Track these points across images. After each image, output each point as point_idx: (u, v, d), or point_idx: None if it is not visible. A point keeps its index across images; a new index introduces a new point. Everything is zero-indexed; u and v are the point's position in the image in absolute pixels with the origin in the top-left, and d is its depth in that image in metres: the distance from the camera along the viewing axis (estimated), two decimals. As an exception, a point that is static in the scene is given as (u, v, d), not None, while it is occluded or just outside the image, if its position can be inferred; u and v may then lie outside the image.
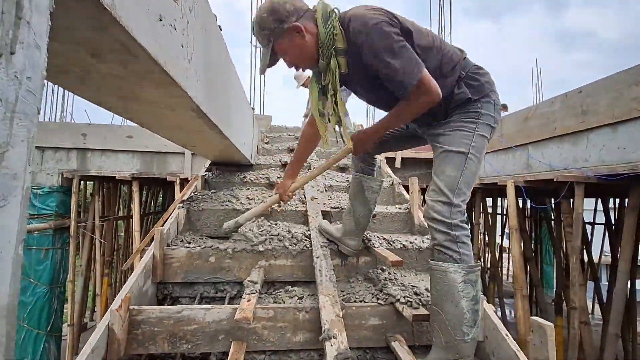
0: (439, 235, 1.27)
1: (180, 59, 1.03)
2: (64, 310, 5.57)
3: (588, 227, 6.61)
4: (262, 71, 1.40)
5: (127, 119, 1.49)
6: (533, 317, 1.25)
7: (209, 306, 1.51)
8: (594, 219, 6.95)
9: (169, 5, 0.92)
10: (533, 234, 7.29)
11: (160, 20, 0.87)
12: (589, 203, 6.75)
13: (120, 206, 7.47)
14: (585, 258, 5.82)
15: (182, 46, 1.04)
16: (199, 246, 1.91)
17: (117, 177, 4.98)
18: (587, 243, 5.71)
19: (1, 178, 0.42)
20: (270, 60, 1.35)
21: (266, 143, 3.87)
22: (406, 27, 1.28)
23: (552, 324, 1.20)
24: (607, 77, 2.93)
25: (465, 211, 1.33)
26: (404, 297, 1.59)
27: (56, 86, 6.18)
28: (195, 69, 1.18)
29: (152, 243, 1.80)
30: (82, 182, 5.40)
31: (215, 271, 1.88)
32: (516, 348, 1.42)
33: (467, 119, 1.36)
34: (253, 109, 3.17)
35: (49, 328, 4.91)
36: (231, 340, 1.46)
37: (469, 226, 1.39)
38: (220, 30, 1.62)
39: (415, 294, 1.64)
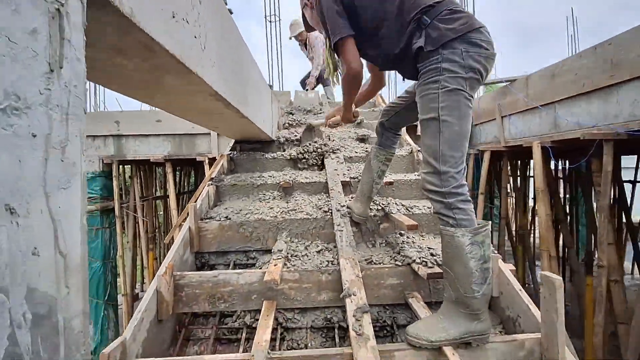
0: (435, 204, 1.33)
1: (194, 49, 1.12)
2: (118, 283, 6.18)
3: (628, 186, 6.29)
4: (308, 30, 1.98)
5: (152, 105, 1.62)
6: (543, 272, 1.30)
7: (241, 271, 1.69)
8: (635, 177, 6.57)
9: (180, 1, 1.01)
10: (568, 196, 7.03)
11: (174, 17, 0.96)
12: (629, 161, 6.38)
13: (157, 187, 7.96)
14: (624, 219, 5.59)
15: (195, 37, 1.13)
16: (229, 219, 2.08)
17: (151, 160, 5.29)
18: (624, 203, 5.46)
19: (65, 166, 0.55)
20: (307, 27, 1.87)
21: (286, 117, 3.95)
22: None
23: (560, 278, 1.26)
24: (637, 27, 2.71)
25: (459, 174, 1.31)
26: (419, 258, 1.69)
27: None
28: (210, 56, 1.28)
29: (188, 218, 1.99)
30: (120, 166, 5.79)
31: (245, 241, 2.06)
32: (528, 301, 1.49)
33: (429, 79, 1.32)
34: (271, 86, 3.24)
35: (106, 298, 5.50)
36: (262, 300, 1.64)
37: (467, 189, 1.34)
38: (231, 13, 1.69)
39: (432, 254, 1.74)
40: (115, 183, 5.41)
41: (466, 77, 1.28)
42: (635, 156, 5.97)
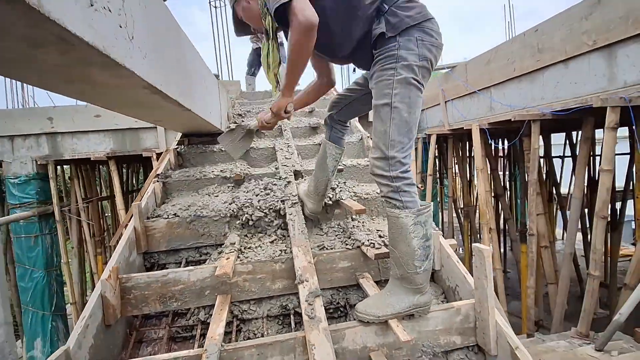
0: (383, 187, 1.37)
1: (120, 39, 1.06)
2: (65, 292, 5.75)
3: (557, 162, 6.98)
4: (237, 35, 1.68)
5: (84, 101, 1.51)
6: (474, 244, 1.43)
7: (191, 267, 1.66)
8: (564, 152, 7.31)
9: (99, -12, 0.94)
10: (507, 172, 7.66)
11: (92, 5, 0.90)
12: (558, 138, 7.07)
13: (102, 187, 7.43)
14: (554, 191, 6.22)
15: (121, 27, 1.07)
16: (178, 216, 2.02)
17: (92, 159, 4.93)
18: (554, 177, 6.07)
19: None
20: (235, 23, 1.59)
21: (235, 109, 3.86)
22: None
23: (489, 248, 1.39)
24: (561, 13, 2.98)
25: (405, 159, 1.36)
26: (368, 241, 1.77)
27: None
28: (140, 47, 1.21)
29: (132, 217, 1.90)
30: (57, 166, 5.32)
31: (196, 237, 2.02)
32: (465, 271, 1.64)
33: (385, 65, 1.34)
34: (217, 75, 3.14)
35: (52, 309, 5.11)
36: (216, 295, 1.63)
37: (412, 173, 1.42)
38: (164, 0, 1.60)
39: (380, 236, 1.83)
40: (52, 185, 4.97)
41: (419, 66, 1.32)
42: (563, 134, 6.62)
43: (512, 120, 3.22)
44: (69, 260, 5.35)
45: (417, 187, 5.55)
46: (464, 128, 4.25)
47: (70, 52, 0.91)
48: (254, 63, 5.56)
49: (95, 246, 5.80)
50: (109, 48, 0.98)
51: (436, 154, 6.23)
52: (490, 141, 3.96)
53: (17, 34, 0.79)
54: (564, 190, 6.91)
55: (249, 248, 1.86)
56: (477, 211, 7.72)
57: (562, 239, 8.79)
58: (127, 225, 2.21)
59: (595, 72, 2.86)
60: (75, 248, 5.75)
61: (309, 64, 1.63)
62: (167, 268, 1.98)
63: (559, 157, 7.36)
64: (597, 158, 5.74)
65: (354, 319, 1.45)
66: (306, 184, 2.08)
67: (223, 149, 2.12)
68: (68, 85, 1.24)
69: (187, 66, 1.91)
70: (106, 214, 7.59)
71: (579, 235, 5.30)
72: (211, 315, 1.63)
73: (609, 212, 4.07)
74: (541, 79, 3.19)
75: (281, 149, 2.75)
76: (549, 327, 4.09)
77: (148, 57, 1.28)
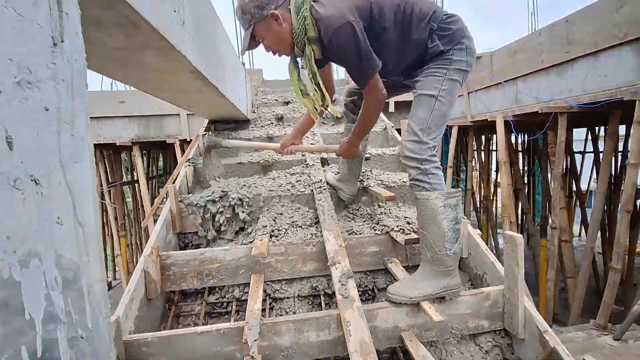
0: (412, 170, 1.46)
1: (174, 24, 1.11)
2: (89, 272, 5.99)
3: (578, 157, 6.84)
4: (242, 53, 1.57)
5: (129, 84, 1.58)
6: (506, 231, 1.46)
7: (227, 247, 1.73)
8: (585, 148, 7.14)
9: (160, -26, 0.99)
10: (526, 168, 7.54)
11: (155, -10, 0.94)
12: (580, 134, 6.91)
13: (122, 173, 7.64)
14: (575, 188, 6.11)
15: (175, 11, 1.12)
16: (210, 198, 2.08)
17: (117, 144, 5.07)
18: (575, 172, 5.97)
19: (75, 141, 0.57)
20: (250, 43, 1.47)
21: (258, 97, 3.91)
22: (368, 13, 1.41)
23: (521, 235, 1.41)
24: (591, 5, 2.91)
25: (435, 147, 1.50)
26: (397, 226, 1.81)
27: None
28: (189, 32, 1.26)
29: (167, 199, 1.98)
30: (82, 151, 5.49)
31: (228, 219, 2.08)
32: (494, 259, 1.66)
33: (439, 66, 1.50)
34: (243, 63, 3.18)
35: (78, 288, 5.34)
36: (250, 274, 1.70)
37: (440, 161, 1.56)
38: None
39: (408, 223, 1.86)
40: (78, 169, 5.13)
41: (465, 71, 1.52)
42: (585, 129, 6.47)
43: (539, 112, 3.18)
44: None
45: None
46: (488, 120, 4.20)
47: (135, 35, 0.96)
48: None
49: (119, 229, 6.00)
50: (167, 32, 1.03)
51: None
52: (514, 134, 3.91)
53: (88, 16, 0.85)
54: (583, 186, 6.78)
55: (280, 231, 1.91)
56: (495, 204, 7.67)
57: (579, 235, 8.68)
58: (159, 206, 2.29)
59: (625, 65, 2.79)
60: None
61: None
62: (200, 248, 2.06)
63: (580, 152, 7.21)
64: (619, 155, 5.61)
65: (382, 302, 1.50)
66: (334, 171, 2.14)
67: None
68: (121, 69, 1.30)
69: (221, 53, 1.95)
70: (127, 199, 7.81)
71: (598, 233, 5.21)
72: (246, 292, 1.71)
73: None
74: (569, 71, 3.13)
75: (306, 136, 2.78)
76: (565, 322, 4.08)
77: (195, 43, 1.33)
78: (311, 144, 2.67)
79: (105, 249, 6.39)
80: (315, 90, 1.59)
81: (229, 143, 2.08)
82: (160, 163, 8.56)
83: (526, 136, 6.96)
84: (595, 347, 2.29)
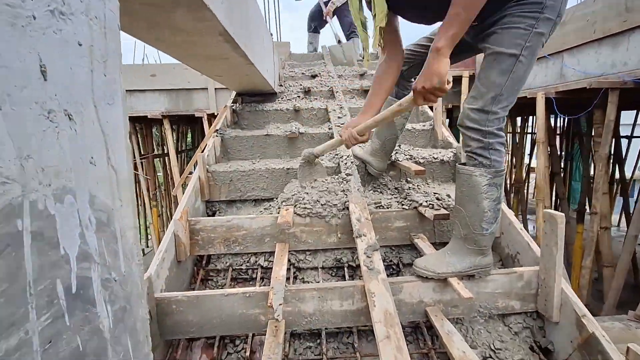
0: (472, 142, 1.27)
1: (205, -20, 1.07)
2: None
3: (624, 142, 6.35)
4: None
5: (157, 48, 1.57)
6: (546, 210, 1.37)
7: (253, 215, 1.75)
8: (632, 132, 6.61)
9: None
10: (564, 152, 7.11)
11: (186, -61, 0.90)
12: (628, 117, 6.37)
13: (154, 146, 7.89)
14: (618, 174, 5.71)
15: (205, -34, 1.08)
16: (238, 169, 2.10)
17: (149, 116, 5.20)
18: (619, 157, 5.56)
19: (108, 82, 0.56)
20: None
21: (286, 70, 3.85)
22: None
23: (562, 214, 1.32)
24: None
25: (504, 119, 1.26)
26: (426, 202, 1.75)
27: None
28: (219, -10, 1.22)
29: (197, 167, 2.01)
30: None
31: (253, 190, 2.10)
32: (528, 238, 1.58)
33: (525, 12, 1.16)
34: (271, 34, 3.12)
35: (113, 253, 5.68)
36: (275, 242, 1.72)
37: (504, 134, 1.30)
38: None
39: (437, 199, 1.80)
40: (112, 140, 5.34)
41: (556, 22, 1.19)
42: (635, 111, 5.96)
43: (588, 88, 2.93)
44: (127, 210, 5.83)
45: None
46: (527, 97, 3.94)
47: (165, -12, 0.93)
48: (316, 17, 4.96)
49: (150, 200, 6.25)
50: (198, -14, 0.99)
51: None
52: (558, 114, 3.65)
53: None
54: (627, 173, 6.32)
55: (306, 201, 1.90)
56: (527, 188, 7.34)
57: (618, 225, 8.19)
58: (188, 176, 2.34)
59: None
60: (132, 200, 6.24)
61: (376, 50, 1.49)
62: (227, 216, 2.10)
63: (627, 137, 6.69)
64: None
65: (408, 276, 1.47)
66: (366, 144, 2.07)
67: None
68: (150, 30, 1.28)
69: (250, 19, 1.90)
70: (158, 173, 8.10)
71: None
72: (270, 261, 1.73)
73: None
74: (626, 43, 2.83)
75: (334, 109, 2.72)
76: (597, 314, 3.92)
77: (224, 3, 1.29)
78: (338, 117, 2.60)
79: (138, 219, 6.70)
80: (374, 7, 1.33)
81: (318, 150, 1.86)
82: (189, 138, 8.76)
83: (566, 117, 6.51)
84: (635, 338, 2.17)
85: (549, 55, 3.60)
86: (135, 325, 0.59)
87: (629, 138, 6.72)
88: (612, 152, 5.52)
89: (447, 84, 1.17)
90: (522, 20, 1.17)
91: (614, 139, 5.18)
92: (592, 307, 4.42)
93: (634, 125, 6.48)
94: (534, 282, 1.41)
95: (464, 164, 1.35)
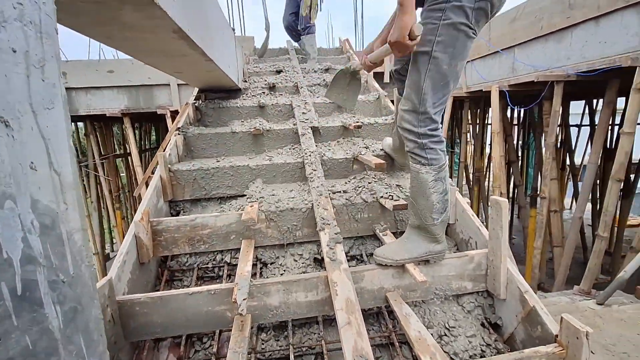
0: (409, 143, 1.35)
1: (154, -23, 1.06)
2: (86, 244, 6.06)
3: (574, 131, 6.84)
4: None
5: (109, 46, 1.53)
6: (492, 196, 1.48)
7: (217, 213, 1.75)
8: (581, 121, 7.13)
9: None
10: (520, 141, 7.55)
11: (130, -63, 0.89)
12: (577, 107, 6.87)
13: (115, 146, 7.55)
14: (568, 161, 6.15)
15: (154, -37, 1.06)
16: (201, 167, 2.08)
17: (107, 115, 4.97)
18: (569, 145, 5.99)
19: (46, 86, 0.56)
20: None
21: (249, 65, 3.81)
22: None
23: (505, 200, 1.43)
24: (597, -35, 2.80)
25: (435, 116, 1.29)
26: (386, 193, 1.83)
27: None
28: (170, -12, 1.20)
29: (158, 167, 1.97)
30: (72, 123, 5.39)
31: (218, 188, 2.09)
32: (479, 224, 1.70)
33: (433, 5, 1.17)
34: (233, 29, 3.08)
35: (76, 259, 5.42)
36: (241, 239, 1.73)
37: (441, 129, 1.37)
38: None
39: (400, 189, 1.88)
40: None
41: (474, 8, 1.14)
42: (583, 102, 6.43)
43: (535, 81, 3.14)
44: (89, 213, 5.58)
45: None
46: (483, 90, 4.15)
47: (110, -14, 0.92)
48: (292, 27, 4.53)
49: (113, 201, 6.01)
50: (146, -15, 0.98)
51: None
52: (510, 105, 3.88)
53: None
54: (577, 160, 6.83)
55: (271, 196, 1.93)
56: (488, 177, 7.74)
57: (570, 208, 8.84)
58: (150, 176, 2.29)
59: (628, 30, 2.73)
60: (94, 203, 5.97)
61: None
62: (192, 215, 2.08)
63: (576, 125, 7.21)
64: (616, 128, 5.62)
65: (369, 264, 1.54)
66: (390, 139, 2.15)
67: (334, 102, 1.95)
68: (98, 26, 1.25)
69: (208, 15, 1.88)
70: (121, 173, 7.77)
71: (588, 205, 5.32)
72: (237, 258, 1.74)
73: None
74: (569, 38, 3.06)
75: (298, 105, 2.75)
76: (549, 290, 4.24)
77: (177, 0, 1.28)
78: (302, 113, 2.63)
79: (101, 222, 6.42)
80: None
81: (351, 67, 1.86)
82: (154, 136, 8.46)
83: (522, 108, 6.92)
84: (577, 310, 2.39)
85: (502, 50, 3.81)
86: (88, 325, 0.60)
87: (579, 127, 7.25)
88: (563, 139, 5.94)
89: (413, 37, 1.16)
90: (431, 14, 1.18)
91: (564, 128, 5.57)
92: (547, 285, 4.78)
93: (583, 114, 6.99)
94: (483, 263, 1.52)
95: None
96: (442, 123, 1.46)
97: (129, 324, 1.32)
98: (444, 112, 1.41)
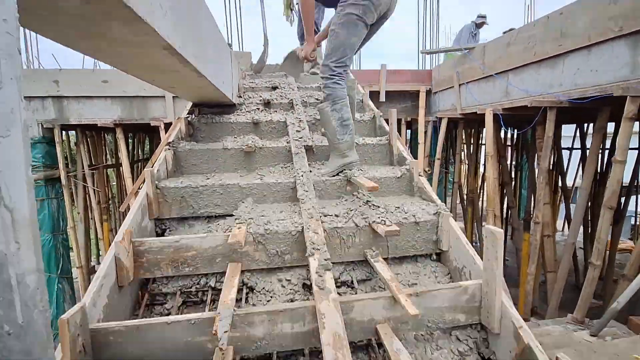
0: (322, 81, 2.16)
1: (143, -7, 1.02)
2: (71, 256, 5.88)
3: (566, 154, 6.91)
4: None
5: (98, 60, 1.48)
6: (486, 225, 1.43)
7: (203, 235, 1.67)
8: (572, 144, 7.22)
9: (124, -64, 0.90)
10: (514, 162, 7.61)
11: (117, -47, 0.86)
12: (568, 130, 6.97)
13: (107, 155, 7.44)
14: (560, 183, 6.18)
15: (143, -21, 1.03)
16: (190, 185, 2.02)
17: (98, 125, 4.90)
18: (561, 168, 6.03)
19: (2, 112, 0.50)
20: None
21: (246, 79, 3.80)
22: None
23: (501, 230, 1.39)
24: (584, -3, 2.87)
25: (336, 68, 2.09)
26: (379, 218, 1.77)
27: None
28: (161, 4, 1.17)
29: (144, 183, 1.90)
30: (63, 131, 5.30)
31: (206, 207, 2.03)
32: (473, 252, 1.65)
33: (341, 4, 2.04)
34: (230, 45, 3.07)
35: (59, 271, 5.24)
36: (227, 262, 1.66)
37: (340, 79, 2.15)
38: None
39: (391, 212, 1.83)
40: (59, 149, 4.97)
41: (361, 4, 2.00)
42: (574, 125, 6.52)
43: (529, 106, 3.16)
44: (75, 225, 5.42)
45: (424, 170, 5.52)
46: (477, 112, 4.18)
47: (94, 2, 0.88)
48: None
49: (101, 213, 5.87)
50: (132, 0, 0.94)
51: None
52: (503, 128, 3.90)
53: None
54: (568, 182, 6.87)
55: (261, 217, 1.86)
56: (481, 198, 7.75)
57: (562, 230, 8.86)
58: (137, 191, 2.21)
59: (618, 60, 2.78)
60: (81, 213, 5.82)
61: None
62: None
63: (568, 148, 7.29)
64: (606, 152, 5.69)
65: (360, 294, 1.47)
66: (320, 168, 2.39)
67: (285, 73, 3.04)
68: (85, 40, 1.20)
69: (204, 30, 1.86)
70: (112, 183, 7.64)
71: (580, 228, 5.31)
72: (222, 282, 1.66)
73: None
74: (561, 66, 3.10)
75: (292, 123, 2.71)
76: (543, 315, 4.17)
77: (168, 16, 1.25)
78: (296, 131, 2.60)
79: (88, 233, 6.25)
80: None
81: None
82: (147, 146, 8.37)
83: (516, 131, 6.99)
84: (572, 342, 2.33)
85: (496, 74, 3.86)
86: (37, 381, 0.53)
87: (570, 150, 7.33)
88: (555, 162, 5.98)
89: (311, 56, 2.55)
90: (338, 9, 2.07)
91: (556, 152, 5.62)
92: (540, 310, 4.71)
93: (574, 138, 7.08)
94: (477, 295, 1.47)
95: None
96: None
97: (102, 355, 1.23)
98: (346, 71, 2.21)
